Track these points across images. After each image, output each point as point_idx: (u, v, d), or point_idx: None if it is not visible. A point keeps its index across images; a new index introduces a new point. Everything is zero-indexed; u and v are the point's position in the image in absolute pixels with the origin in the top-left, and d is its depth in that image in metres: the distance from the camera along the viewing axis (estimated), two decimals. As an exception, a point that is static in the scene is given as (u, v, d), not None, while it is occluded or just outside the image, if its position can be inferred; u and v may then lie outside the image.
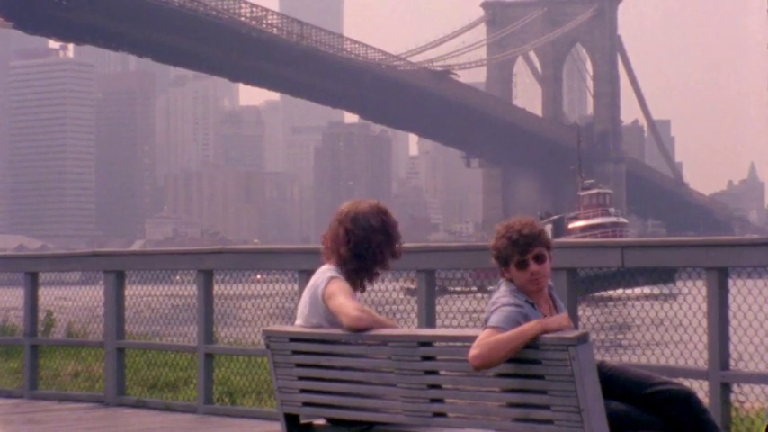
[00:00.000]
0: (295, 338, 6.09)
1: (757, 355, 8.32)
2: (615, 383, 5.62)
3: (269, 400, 11.00)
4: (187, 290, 12.10)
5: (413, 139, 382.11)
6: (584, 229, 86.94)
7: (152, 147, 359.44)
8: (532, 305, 5.53)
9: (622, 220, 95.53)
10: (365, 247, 5.95)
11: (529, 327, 5.26)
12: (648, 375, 5.68)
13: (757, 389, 8.47)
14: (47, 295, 13.50)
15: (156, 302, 12.45)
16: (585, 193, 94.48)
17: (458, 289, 10.99)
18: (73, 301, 13.29)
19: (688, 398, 5.60)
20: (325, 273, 6.01)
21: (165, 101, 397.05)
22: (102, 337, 12.37)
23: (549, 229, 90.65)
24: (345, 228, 5.96)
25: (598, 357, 5.57)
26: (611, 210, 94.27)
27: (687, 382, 8.48)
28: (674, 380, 5.80)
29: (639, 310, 9.05)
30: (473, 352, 5.25)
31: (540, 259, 5.61)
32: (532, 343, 5.25)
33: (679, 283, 11.65)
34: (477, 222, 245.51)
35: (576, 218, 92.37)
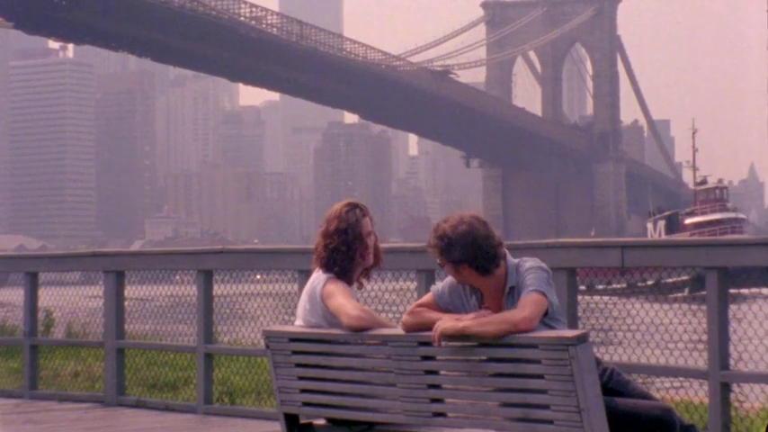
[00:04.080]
0: (295, 338, 6.10)
1: (757, 355, 8.32)
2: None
3: (269, 400, 11.00)
4: (143, 291, 12.14)
5: (413, 139, 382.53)
6: (699, 225, 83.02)
7: (152, 147, 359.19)
8: (467, 292, 5.71)
9: (741, 215, 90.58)
10: (340, 243, 6.02)
11: (429, 320, 5.59)
12: (633, 402, 5.67)
13: (757, 389, 8.47)
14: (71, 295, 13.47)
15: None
16: (701, 187, 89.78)
17: None
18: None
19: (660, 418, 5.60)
20: (322, 274, 6.05)
21: (164, 101, 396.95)
22: (102, 337, 12.37)
23: (661, 225, 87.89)
24: (321, 232, 6.11)
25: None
26: (729, 205, 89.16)
27: (687, 383, 8.49)
28: (653, 400, 5.77)
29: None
30: (404, 317, 5.71)
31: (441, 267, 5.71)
32: (532, 343, 5.26)
33: None
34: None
35: (692, 213, 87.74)
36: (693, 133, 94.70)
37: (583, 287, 10.69)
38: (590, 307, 9.34)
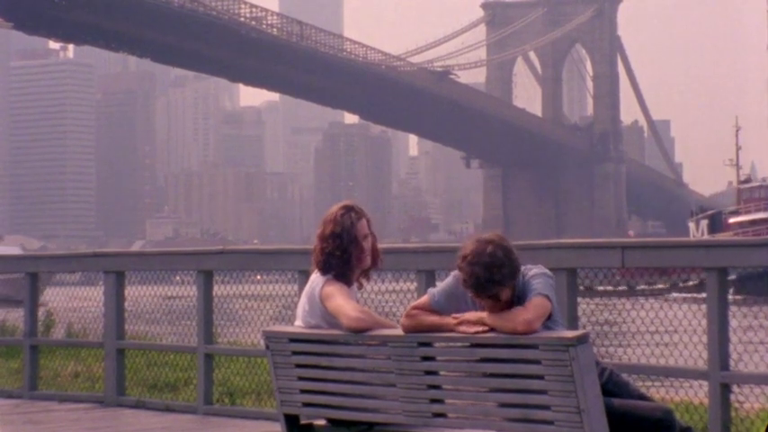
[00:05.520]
0: (295, 339, 6.10)
1: (757, 356, 8.31)
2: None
3: (269, 401, 10.99)
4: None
5: (413, 139, 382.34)
6: (743, 224, 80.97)
7: (152, 147, 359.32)
8: (467, 297, 5.62)
9: None
10: (335, 247, 6.03)
11: (441, 323, 5.57)
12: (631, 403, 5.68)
13: (757, 389, 8.46)
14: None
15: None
16: (745, 186, 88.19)
17: (601, 288, 9.70)
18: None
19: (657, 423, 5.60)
20: (321, 275, 6.06)
21: (165, 101, 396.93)
22: (102, 337, 12.36)
23: (704, 224, 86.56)
24: (318, 234, 6.11)
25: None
26: None
27: (687, 383, 8.48)
28: (652, 401, 5.75)
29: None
30: (403, 320, 5.67)
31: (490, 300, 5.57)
32: (532, 343, 5.27)
33: None
34: (477, 222, 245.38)
35: (736, 212, 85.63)
36: (737, 131, 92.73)
37: (623, 287, 10.55)
38: (590, 307, 9.32)
